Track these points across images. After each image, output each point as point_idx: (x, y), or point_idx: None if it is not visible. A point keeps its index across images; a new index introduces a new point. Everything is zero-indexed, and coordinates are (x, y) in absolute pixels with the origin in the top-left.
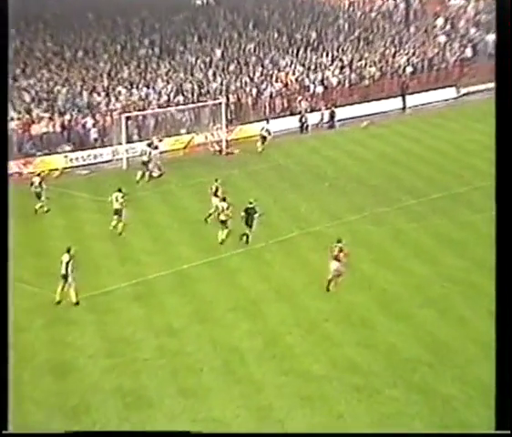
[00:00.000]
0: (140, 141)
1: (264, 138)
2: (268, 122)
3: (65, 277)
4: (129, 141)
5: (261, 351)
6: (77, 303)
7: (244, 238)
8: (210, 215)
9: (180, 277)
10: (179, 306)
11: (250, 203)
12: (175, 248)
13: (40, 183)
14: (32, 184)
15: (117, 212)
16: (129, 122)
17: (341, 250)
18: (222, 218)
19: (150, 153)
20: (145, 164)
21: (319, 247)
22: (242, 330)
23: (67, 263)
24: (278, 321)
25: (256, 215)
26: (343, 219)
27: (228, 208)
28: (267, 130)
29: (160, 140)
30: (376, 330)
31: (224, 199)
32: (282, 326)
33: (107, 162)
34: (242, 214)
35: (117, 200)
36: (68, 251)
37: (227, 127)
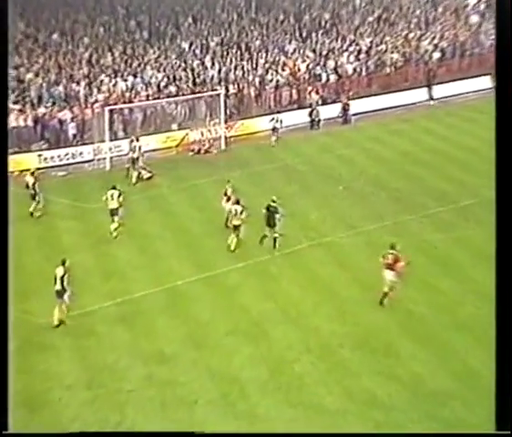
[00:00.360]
0: (126, 138)
1: (276, 130)
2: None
3: (60, 293)
4: (114, 138)
5: (265, 381)
6: (58, 325)
7: (265, 240)
8: (228, 219)
9: (172, 295)
10: (171, 329)
11: (273, 201)
12: (166, 262)
13: (34, 184)
14: (27, 186)
15: (114, 212)
16: (113, 116)
17: (396, 259)
18: (236, 222)
19: (140, 148)
20: (134, 162)
21: (331, 260)
22: (243, 357)
23: (62, 277)
24: (284, 346)
25: (278, 215)
26: (360, 229)
27: (242, 212)
28: (278, 120)
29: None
30: (399, 358)
31: (238, 202)
32: (290, 352)
33: (87, 162)
34: (264, 212)
35: (112, 199)
36: (63, 263)
37: (226, 121)
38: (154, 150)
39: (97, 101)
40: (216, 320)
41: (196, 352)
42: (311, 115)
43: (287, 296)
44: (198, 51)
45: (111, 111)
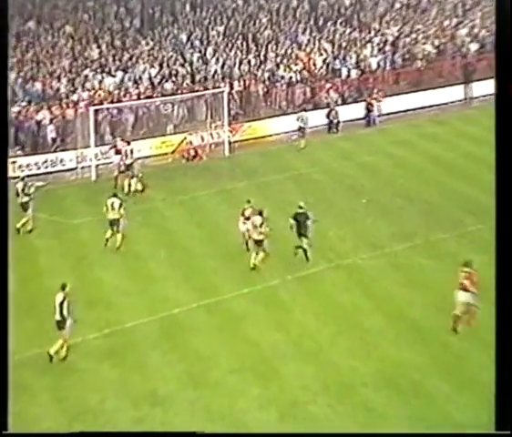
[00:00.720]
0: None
1: (302, 130)
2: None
3: (61, 324)
4: (100, 143)
5: (275, 426)
6: (65, 357)
7: (299, 251)
8: (246, 241)
9: (168, 325)
10: (166, 364)
11: (300, 207)
12: (160, 287)
13: (24, 190)
14: (17, 194)
15: (114, 223)
16: (100, 117)
17: (469, 276)
18: (256, 236)
19: (132, 152)
20: (128, 169)
21: (352, 285)
22: (250, 398)
23: (62, 304)
24: (297, 386)
25: (309, 221)
26: (386, 249)
27: (262, 225)
28: (304, 120)
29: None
30: (432, 399)
31: (261, 213)
32: (304, 392)
33: (69, 171)
34: (291, 222)
35: (113, 208)
36: (63, 288)
37: (230, 124)
38: (147, 157)
39: (80, 100)
40: (218, 354)
41: (194, 392)
42: (328, 116)
43: (301, 327)
44: (197, 42)
45: (97, 111)
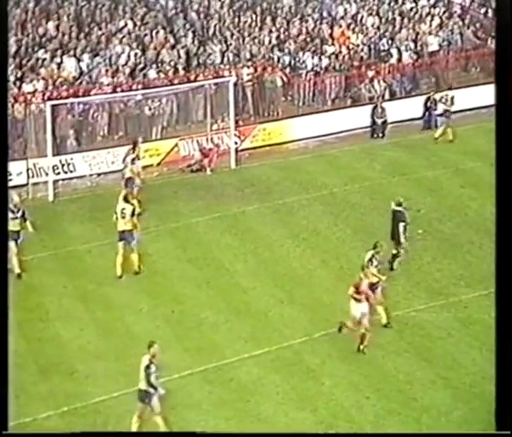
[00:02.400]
0: (81, 151)
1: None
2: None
3: (145, 396)
4: (60, 151)
5: None
6: None
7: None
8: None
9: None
10: None
11: (399, 204)
12: (139, 349)
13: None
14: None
15: (124, 237)
16: (60, 115)
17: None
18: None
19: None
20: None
21: (404, 346)
22: None
23: (148, 369)
24: None
25: (402, 224)
26: (451, 298)
27: (371, 260)
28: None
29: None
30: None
31: (375, 247)
32: None
33: (17, 188)
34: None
35: (123, 217)
36: (149, 347)
37: (237, 126)
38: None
39: (32, 92)
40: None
41: None
42: (373, 115)
43: (331, 400)
44: (193, 15)
45: (55, 107)
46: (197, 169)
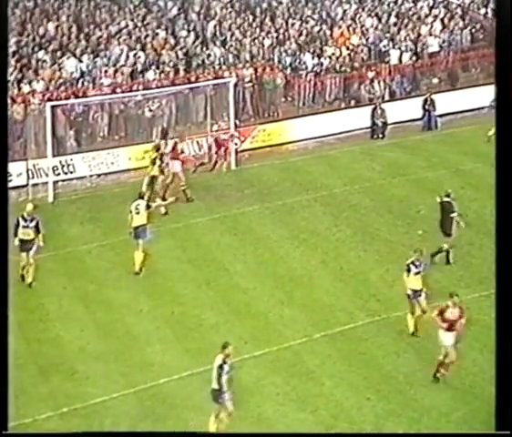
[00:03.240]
0: (81, 152)
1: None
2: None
3: (217, 394)
4: (60, 152)
5: None
6: None
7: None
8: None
9: (151, 398)
10: None
11: (447, 195)
12: (142, 350)
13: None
14: (21, 223)
15: (139, 233)
16: (60, 116)
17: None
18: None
19: (163, 158)
20: (151, 183)
21: (404, 347)
22: None
23: (220, 369)
24: None
25: (453, 215)
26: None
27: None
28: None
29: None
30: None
31: (415, 262)
32: None
33: (17, 189)
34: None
35: (137, 212)
36: (224, 348)
37: (237, 126)
38: (124, 171)
39: (32, 92)
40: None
41: None
42: (373, 116)
43: (331, 400)
44: (194, 16)
45: (55, 108)
46: (212, 166)
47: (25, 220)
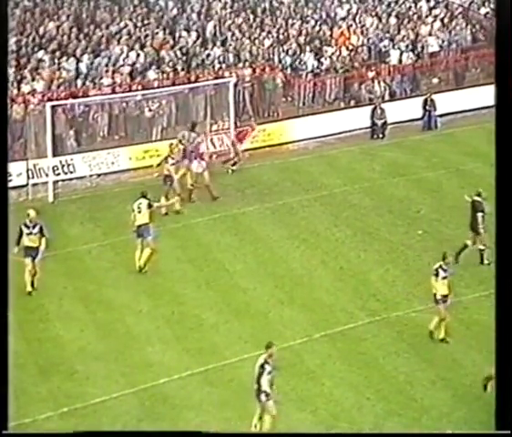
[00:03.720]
0: (81, 152)
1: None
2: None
3: (260, 395)
4: (60, 152)
5: None
6: None
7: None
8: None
9: (150, 398)
10: None
11: (478, 194)
12: (141, 350)
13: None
14: (24, 230)
15: (141, 232)
16: (60, 116)
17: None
18: (444, 290)
19: (167, 159)
20: (167, 180)
21: (404, 347)
22: None
23: (262, 369)
24: None
25: (480, 214)
26: (453, 298)
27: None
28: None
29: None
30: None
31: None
32: None
33: (17, 188)
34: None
35: (139, 211)
36: (268, 347)
37: (237, 126)
38: (124, 171)
39: (32, 92)
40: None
41: None
42: (372, 116)
43: (331, 401)
44: (194, 17)
45: (55, 108)
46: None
47: (28, 227)
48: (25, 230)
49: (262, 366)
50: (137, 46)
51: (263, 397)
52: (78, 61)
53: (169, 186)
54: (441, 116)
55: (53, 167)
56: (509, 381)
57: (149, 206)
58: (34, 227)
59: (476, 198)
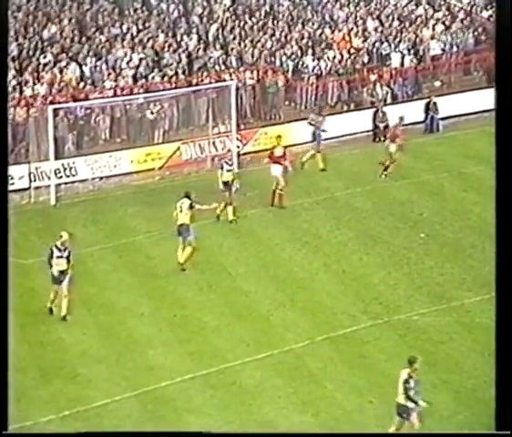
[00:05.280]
0: (83, 155)
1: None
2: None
3: (405, 411)
4: (62, 155)
5: None
6: None
7: None
8: None
9: (151, 401)
10: None
11: None
12: (143, 354)
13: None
14: (55, 253)
15: (182, 231)
16: (62, 120)
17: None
18: None
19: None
20: (227, 183)
21: (406, 350)
22: None
23: (407, 382)
24: None
25: None
26: (453, 302)
27: None
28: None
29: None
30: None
31: None
32: None
33: (18, 192)
34: None
35: (181, 211)
36: (411, 363)
37: (239, 129)
38: (126, 174)
39: (34, 95)
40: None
41: None
42: (374, 119)
43: (332, 405)
44: (195, 19)
45: (56, 111)
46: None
47: (60, 250)
48: (57, 253)
49: (407, 381)
50: (139, 50)
51: (410, 412)
52: (81, 64)
53: (228, 193)
54: (443, 119)
55: (55, 170)
56: (509, 382)
57: (191, 206)
58: (64, 250)
59: None
